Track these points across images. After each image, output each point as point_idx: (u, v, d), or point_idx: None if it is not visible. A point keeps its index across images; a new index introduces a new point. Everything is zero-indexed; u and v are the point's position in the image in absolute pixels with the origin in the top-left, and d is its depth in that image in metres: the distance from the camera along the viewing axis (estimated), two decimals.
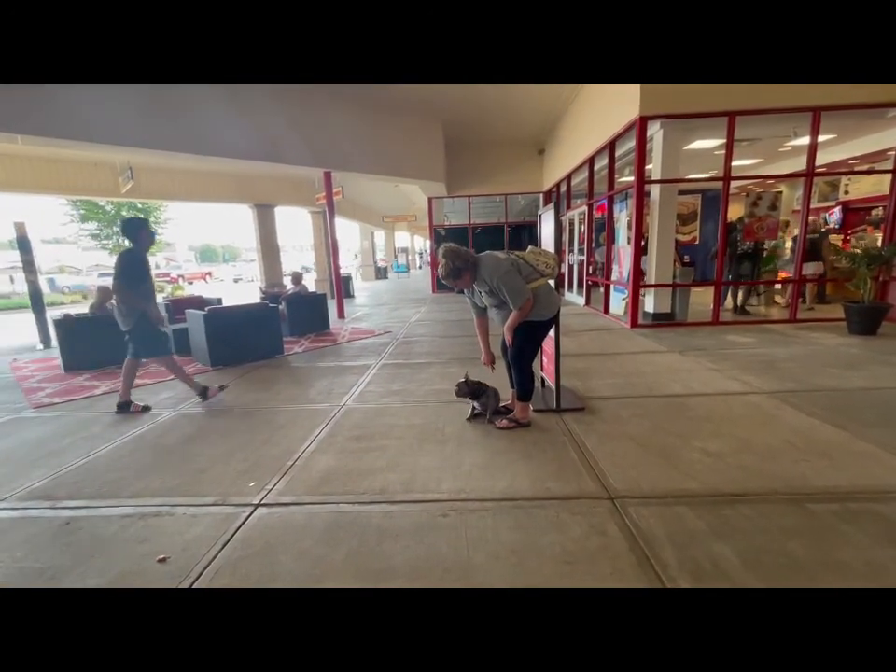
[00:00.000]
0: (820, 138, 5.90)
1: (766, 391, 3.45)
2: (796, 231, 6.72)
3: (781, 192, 7.24)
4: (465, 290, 2.99)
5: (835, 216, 9.24)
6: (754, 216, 6.45)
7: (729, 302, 7.44)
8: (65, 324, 5.31)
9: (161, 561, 1.80)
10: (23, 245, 7.04)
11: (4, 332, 9.56)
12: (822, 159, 7.34)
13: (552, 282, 2.98)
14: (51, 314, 6.47)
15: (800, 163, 6.19)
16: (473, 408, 3.13)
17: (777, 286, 7.75)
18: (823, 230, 7.96)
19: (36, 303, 7.28)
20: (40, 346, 7.09)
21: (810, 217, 8.16)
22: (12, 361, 6.08)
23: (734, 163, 5.98)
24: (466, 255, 2.77)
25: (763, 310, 7.54)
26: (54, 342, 5.76)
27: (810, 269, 7.01)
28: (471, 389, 3.06)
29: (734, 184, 6.62)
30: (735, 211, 7.51)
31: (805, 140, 6.01)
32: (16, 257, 7.46)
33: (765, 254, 7.05)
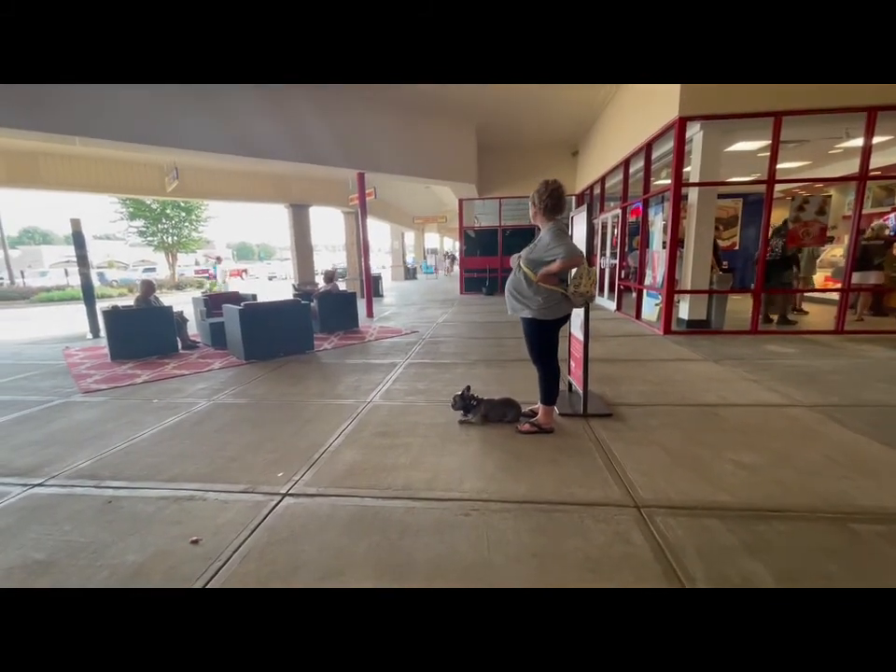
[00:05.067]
0: (875, 139, 5.56)
1: (808, 404, 3.29)
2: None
3: (830, 196, 6.86)
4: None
5: (891, 222, 8.69)
6: (800, 220, 6.15)
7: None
8: (112, 315, 5.62)
9: (193, 542, 1.88)
10: (78, 240, 7.48)
11: (58, 322, 10.20)
12: (877, 161, 6.91)
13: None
14: (100, 305, 6.87)
15: (852, 166, 5.86)
16: (463, 414, 3.14)
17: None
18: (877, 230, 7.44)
19: (88, 295, 7.73)
20: (90, 336, 7.53)
21: (875, 222, 7.71)
22: (65, 349, 6.49)
23: (778, 166, 5.72)
24: (558, 202, 2.73)
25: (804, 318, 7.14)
26: (103, 332, 6.09)
27: (871, 278, 6.61)
28: (464, 404, 3.10)
29: (778, 187, 6.33)
30: (779, 216, 7.18)
31: (859, 142, 5.69)
32: (70, 251, 7.95)
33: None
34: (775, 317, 6.86)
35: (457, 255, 31.81)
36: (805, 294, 7.80)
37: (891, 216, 8.72)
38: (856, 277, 6.59)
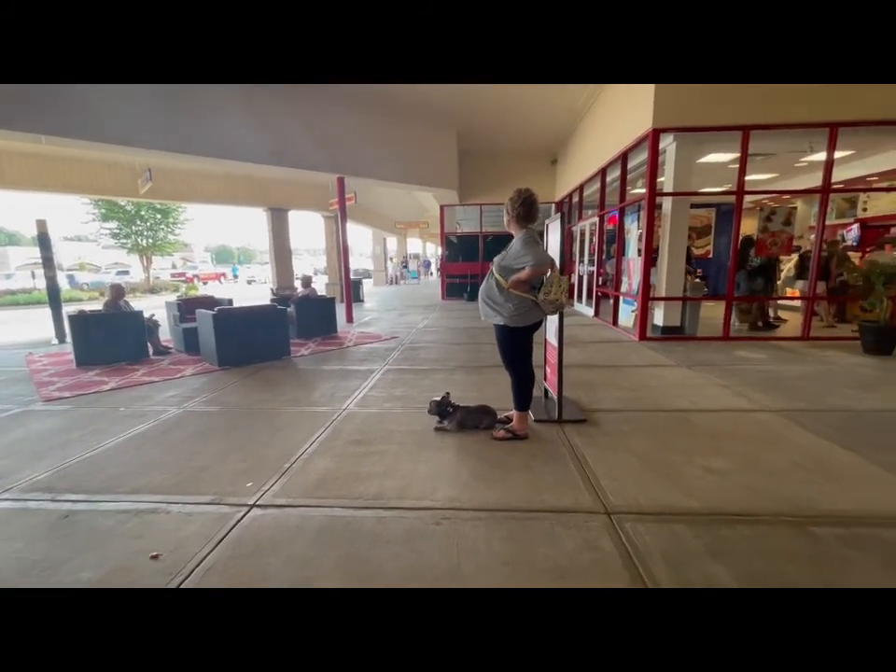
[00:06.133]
0: (837, 154, 5.82)
1: (775, 409, 3.38)
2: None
3: (796, 208, 7.13)
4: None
5: (853, 233, 9.08)
6: (768, 230, 6.37)
7: (736, 322, 7.23)
8: (79, 320, 5.42)
9: (153, 558, 1.81)
10: (44, 242, 7.22)
11: (23, 326, 9.79)
12: (840, 175, 7.23)
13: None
14: (67, 309, 6.63)
15: (817, 179, 6.11)
16: (438, 421, 3.13)
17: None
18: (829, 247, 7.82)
19: (53, 299, 7.45)
20: (55, 341, 7.25)
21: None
22: (28, 355, 6.22)
23: (748, 178, 5.92)
24: (530, 209, 2.74)
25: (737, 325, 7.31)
26: (69, 337, 5.87)
27: (800, 286, 6.98)
28: (440, 410, 3.09)
29: (748, 198, 6.55)
30: (750, 226, 7.43)
31: (822, 156, 5.93)
32: (38, 253, 7.66)
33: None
34: (747, 324, 7.08)
35: (432, 261, 31.48)
36: (777, 302, 8.06)
37: (854, 227, 9.12)
38: (800, 285, 6.93)
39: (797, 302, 7.73)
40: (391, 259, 28.35)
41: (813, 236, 7.05)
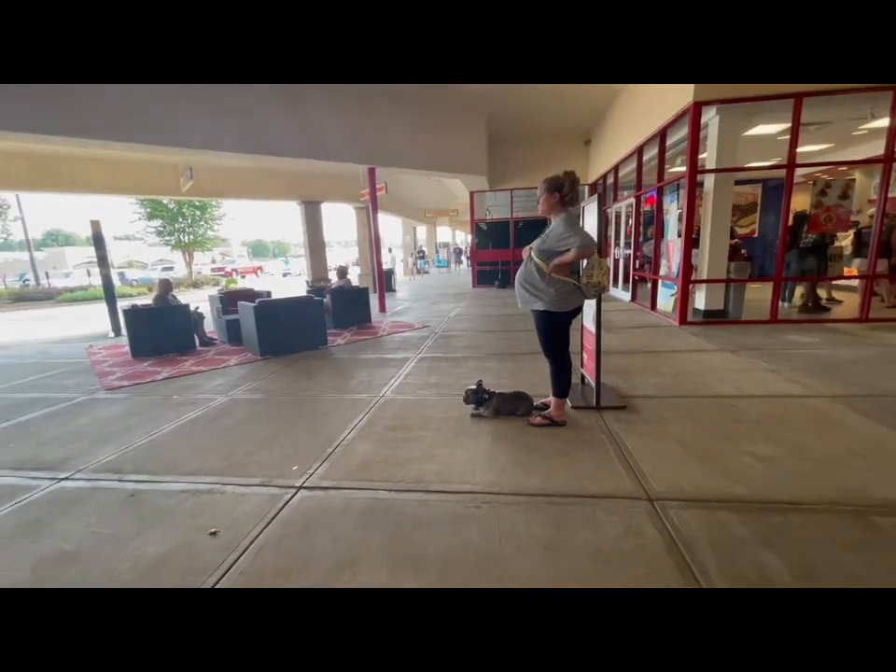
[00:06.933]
0: None
1: (829, 395, 3.20)
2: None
3: (853, 180, 6.61)
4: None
5: None
6: (822, 205, 5.95)
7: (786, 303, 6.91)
8: (133, 313, 5.76)
9: (212, 534, 1.93)
10: (98, 241, 7.67)
11: (82, 321, 10.50)
12: None
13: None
14: (121, 304, 7.05)
15: (878, 148, 5.64)
16: (475, 407, 3.14)
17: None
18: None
19: (109, 295, 7.94)
20: (111, 334, 7.74)
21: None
22: (88, 347, 6.69)
23: (799, 150, 5.54)
24: (576, 192, 2.70)
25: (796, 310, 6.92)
26: (124, 330, 6.25)
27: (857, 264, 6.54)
28: (476, 397, 3.10)
29: (800, 172, 6.13)
30: (800, 201, 6.96)
31: (884, 122, 5.46)
32: (92, 252, 8.15)
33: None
34: (797, 306, 6.73)
35: (463, 248, 30.70)
36: (831, 283, 7.59)
37: None
38: (857, 263, 6.47)
39: (854, 282, 7.24)
40: (389, 249, 25.32)
41: (872, 210, 6.53)
